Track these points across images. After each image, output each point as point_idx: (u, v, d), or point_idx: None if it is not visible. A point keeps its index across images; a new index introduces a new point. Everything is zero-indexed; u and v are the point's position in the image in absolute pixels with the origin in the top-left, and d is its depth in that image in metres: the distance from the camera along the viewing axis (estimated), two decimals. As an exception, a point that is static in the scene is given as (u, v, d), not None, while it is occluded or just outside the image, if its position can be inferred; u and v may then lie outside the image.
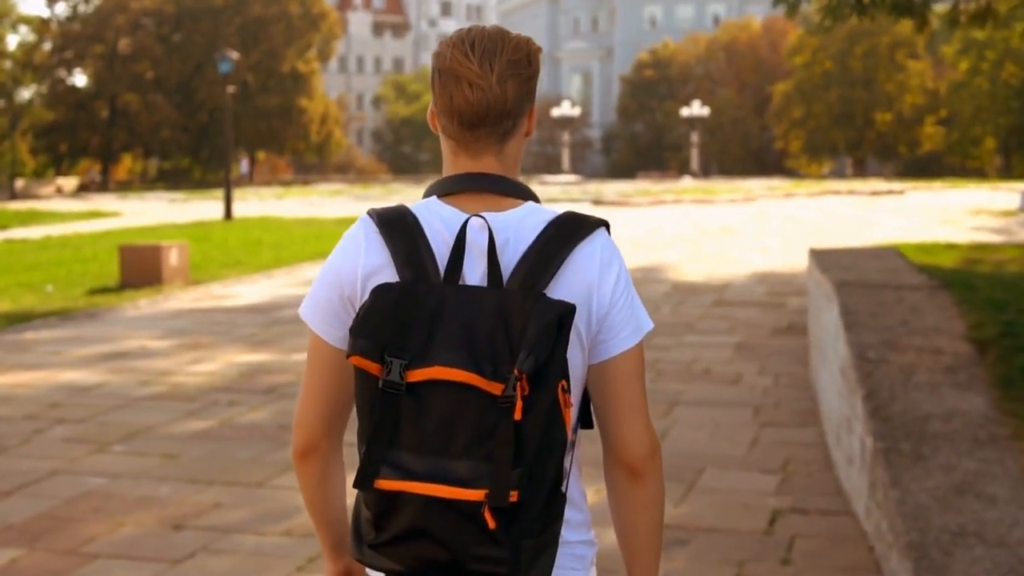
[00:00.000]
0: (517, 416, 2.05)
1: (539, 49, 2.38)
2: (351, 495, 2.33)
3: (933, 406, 6.72)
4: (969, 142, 74.09)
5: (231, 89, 40.17)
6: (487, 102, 2.28)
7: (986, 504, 5.44)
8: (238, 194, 51.48)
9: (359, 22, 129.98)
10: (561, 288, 2.24)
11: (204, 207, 46.02)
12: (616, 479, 2.40)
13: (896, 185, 54.02)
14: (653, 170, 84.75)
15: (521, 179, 2.43)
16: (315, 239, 28.15)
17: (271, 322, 15.36)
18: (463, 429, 2.08)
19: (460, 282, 2.23)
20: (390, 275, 2.25)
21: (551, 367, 2.10)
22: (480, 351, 2.10)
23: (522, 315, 2.12)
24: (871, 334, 8.09)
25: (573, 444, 2.33)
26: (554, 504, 2.15)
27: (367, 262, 2.30)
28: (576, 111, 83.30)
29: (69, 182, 74.31)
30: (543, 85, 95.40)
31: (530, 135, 2.44)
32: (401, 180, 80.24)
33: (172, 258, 19.26)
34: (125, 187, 76.27)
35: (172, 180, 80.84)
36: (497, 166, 2.36)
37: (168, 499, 7.48)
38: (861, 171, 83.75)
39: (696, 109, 75.16)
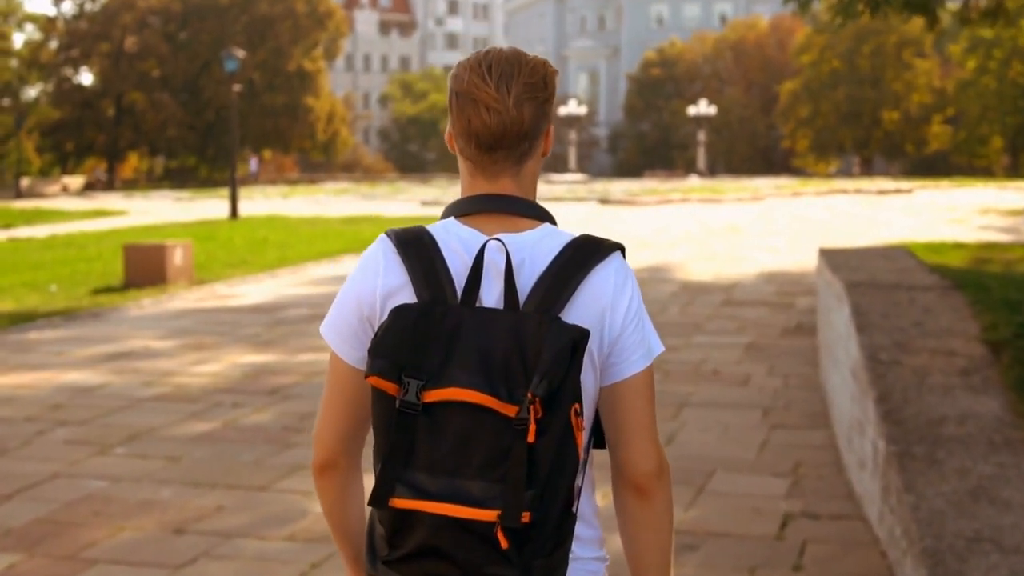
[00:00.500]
0: (530, 439, 2.08)
1: (555, 72, 2.40)
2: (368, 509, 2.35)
3: (947, 409, 6.60)
4: (976, 141, 73.92)
5: (237, 87, 40.10)
6: (504, 125, 2.31)
7: (1002, 509, 5.33)
8: (244, 193, 51.44)
9: (366, 20, 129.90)
10: (576, 311, 2.27)
11: (210, 206, 45.98)
12: (624, 498, 2.42)
13: (904, 184, 53.86)
14: (660, 169, 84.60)
15: None
16: (321, 238, 28.07)
17: (276, 322, 15.27)
18: (477, 450, 2.11)
19: (477, 303, 2.25)
20: (408, 296, 2.28)
21: (564, 391, 2.12)
22: (496, 373, 2.13)
23: (537, 338, 2.14)
24: (883, 335, 7.97)
25: (585, 463, 2.34)
26: (566, 524, 2.18)
27: (385, 283, 2.32)
28: (583, 110, 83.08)
29: (75, 181, 74.29)
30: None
31: (547, 154, 2.47)
32: (407, 179, 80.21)
33: (176, 257, 19.18)
34: (131, 186, 76.19)
35: (178, 179, 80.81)
36: (514, 187, 2.39)
37: (170, 503, 7.37)
38: (868, 170, 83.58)
39: (703, 108, 74.95)
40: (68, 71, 79.65)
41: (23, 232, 33.05)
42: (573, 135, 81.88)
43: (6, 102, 77.44)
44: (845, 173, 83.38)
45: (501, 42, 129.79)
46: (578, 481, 2.25)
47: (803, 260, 20.90)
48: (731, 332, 13.81)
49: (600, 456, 2.43)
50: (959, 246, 17.48)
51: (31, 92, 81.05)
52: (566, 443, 2.13)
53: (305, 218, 36.58)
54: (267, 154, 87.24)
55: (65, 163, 79.86)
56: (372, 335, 2.28)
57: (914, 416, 6.48)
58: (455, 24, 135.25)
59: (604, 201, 44.01)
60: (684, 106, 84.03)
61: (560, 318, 2.19)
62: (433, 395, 2.12)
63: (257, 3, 79.44)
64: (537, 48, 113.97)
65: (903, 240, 20.50)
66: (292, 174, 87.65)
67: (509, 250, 2.25)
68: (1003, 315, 8.53)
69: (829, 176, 76.94)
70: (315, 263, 22.78)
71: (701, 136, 76.94)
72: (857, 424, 7.44)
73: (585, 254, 2.31)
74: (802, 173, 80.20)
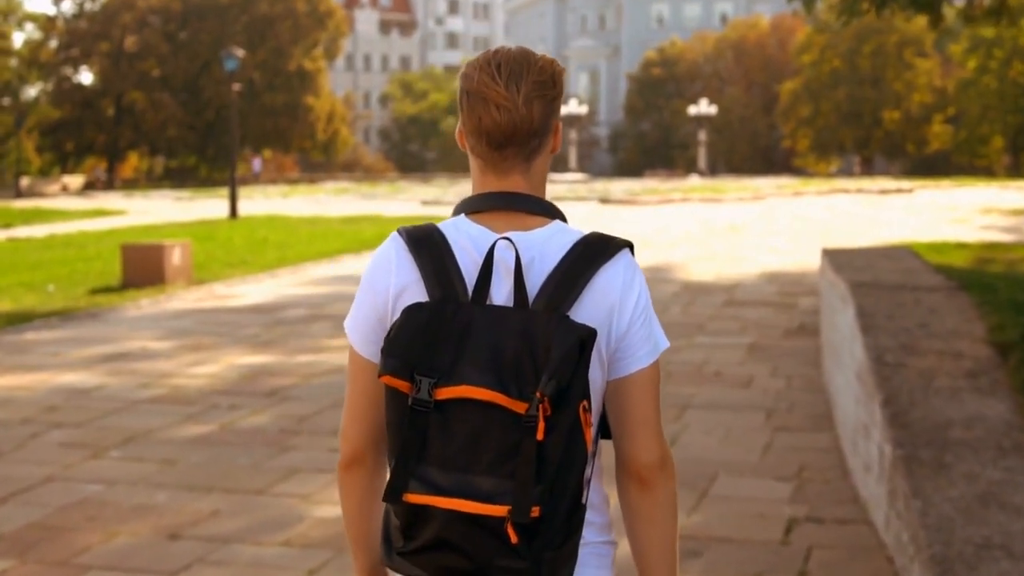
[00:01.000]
0: (540, 436, 2.13)
1: (563, 70, 2.44)
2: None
3: (954, 412, 6.50)
4: (977, 140, 73.82)
5: (237, 87, 40.02)
6: (514, 123, 2.36)
7: (1012, 515, 5.22)
8: (244, 192, 51.36)
9: (366, 20, 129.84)
10: (584, 309, 2.32)
11: (210, 205, 45.89)
12: (627, 491, 2.46)
13: (905, 184, 53.76)
14: (660, 168, 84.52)
15: None
16: (321, 238, 27.96)
17: (275, 322, 15.16)
18: (488, 446, 2.16)
19: (487, 302, 2.30)
20: (419, 293, 2.33)
21: (573, 389, 2.17)
22: (506, 371, 2.18)
23: (546, 336, 2.19)
24: (888, 337, 7.87)
25: (594, 455, 2.39)
26: (575, 517, 2.23)
27: (398, 281, 2.38)
28: (583, 109, 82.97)
29: (75, 180, 74.20)
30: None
31: (556, 151, 2.51)
32: (408, 178, 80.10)
33: (175, 257, 19.07)
34: (131, 185, 76.08)
35: (178, 178, 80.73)
36: (524, 184, 2.43)
37: (165, 507, 7.27)
38: (869, 170, 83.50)
39: (704, 107, 74.85)
40: (68, 70, 79.61)
41: (22, 232, 32.97)
42: (574, 135, 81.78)
43: (6, 101, 77.34)
44: (846, 173, 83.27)
45: (501, 42, 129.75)
46: (587, 472, 2.28)
47: (805, 260, 20.80)
48: (733, 333, 13.71)
49: (608, 445, 2.46)
50: (962, 246, 17.41)
51: (31, 91, 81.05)
52: (574, 439, 2.18)
53: (305, 218, 36.48)
54: (267, 154, 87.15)
55: (65, 163, 79.78)
56: (385, 332, 2.33)
57: (921, 419, 6.38)
58: (455, 24, 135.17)
59: (605, 201, 43.92)
60: (685, 106, 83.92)
61: (569, 316, 2.24)
62: (445, 392, 2.17)
63: (257, 3, 79.37)
64: (538, 48, 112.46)
65: (905, 240, 20.42)
66: (292, 174, 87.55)
67: (518, 248, 2.30)
68: (1010, 316, 8.42)
69: (830, 176, 76.80)
70: (315, 263, 22.68)
71: (702, 136, 76.84)
72: (862, 427, 7.34)
73: (594, 252, 2.35)
74: (803, 173, 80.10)
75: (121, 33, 77.13)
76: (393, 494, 2.18)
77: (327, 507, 7.19)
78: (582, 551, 2.33)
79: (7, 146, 75.64)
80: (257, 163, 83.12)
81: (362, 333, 2.44)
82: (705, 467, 7.95)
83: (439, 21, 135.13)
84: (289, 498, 7.42)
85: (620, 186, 58.35)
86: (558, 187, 55.82)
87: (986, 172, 73.13)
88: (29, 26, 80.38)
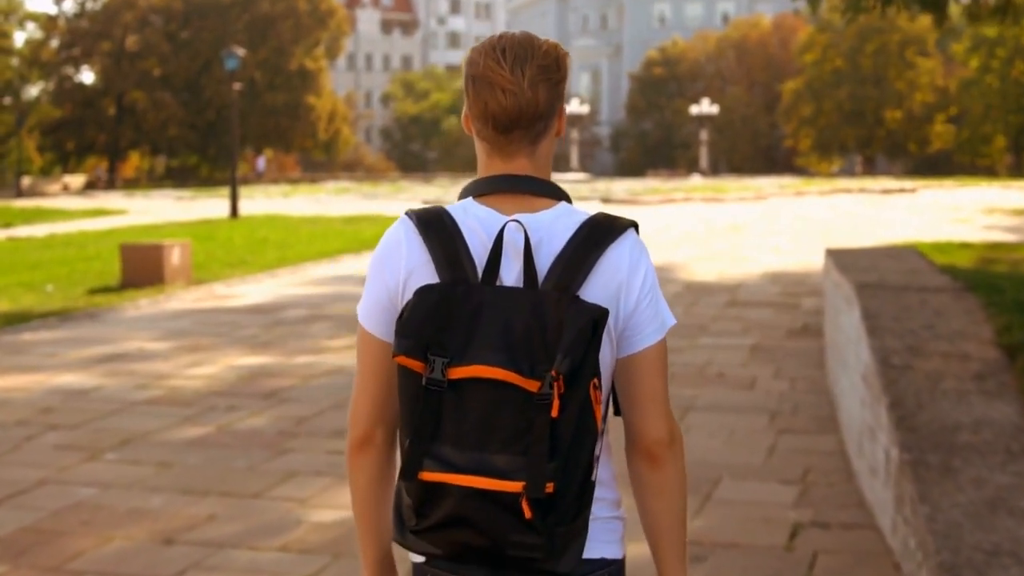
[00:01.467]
0: (554, 414, 2.18)
1: (566, 54, 2.48)
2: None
3: (962, 415, 6.39)
4: (979, 140, 73.71)
5: (237, 86, 39.93)
6: (520, 106, 2.40)
7: (1021, 521, 5.12)
8: (245, 192, 51.28)
9: (368, 19, 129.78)
10: (593, 288, 2.36)
11: (211, 205, 45.79)
12: (637, 467, 2.50)
13: (907, 183, 53.66)
14: (662, 168, 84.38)
15: None
16: (321, 238, 27.86)
17: (274, 323, 15.06)
18: (501, 424, 2.20)
19: (496, 283, 2.33)
20: (429, 275, 2.36)
21: (585, 368, 2.21)
22: (518, 350, 2.22)
23: (557, 316, 2.23)
24: (895, 339, 7.76)
25: (603, 432, 2.41)
26: (586, 492, 2.28)
27: (407, 262, 2.41)
28: (585, 109, 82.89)
29: (76, 180, 74.10)
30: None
31: (561, 135, 2.53)
32: (409, 178, 79.95)
33: (174, 257, 18.96)
34: (132, 185, 75.96)
35: (180, 178, 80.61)
36: (530, 167, 2.47)
37: (160, 511, 7.16)
38: (871, 169, 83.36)
39: (705, 107, 74.74)
40: (69, 70, 79.45)
41: (22, 231, 32.89)
42: (575, 134, 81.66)
43: (7, 101, 77.16)
44: (848, 172, 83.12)
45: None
46: (596, 449, 2.31)
47: (808, 260, 20.71)
48: (736, 333, 13.61)
49: (615, 422, 2.47)
50: (965, 246, 17.34)
51: (32, 91, 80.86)
52: (586, 416, 2.23)
53: (306, 217, 36.37)
54: (269, 153, 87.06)
55: (66, 162, 79.61)
56: (396, 313, 2.38)
57: (928, 423, 6.27)
58: (457, 23, 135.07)
59: (606, 200, 43.85)
60: (686, 105, 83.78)
61: (579, 296, 2.30)
62: (458, 372, 2.22)
63: (259, 2, 79.24)
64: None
65: (909, 240, 20.35)
66: (294, 173, 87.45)
67: (527, 230, 2.34)
68: (1017, 317, 8.31)
69: (832, 175, 76.67)
70: (315, 263, 22.57)
71: (703, 135, 76.71)
72: (868, 430, 7.23)
73: (601, 232, 2.40)
74: (805, 172, 79.92)
75: (122, 32, 77.02)
76: (409, 472, 2.23)
77: (325, 511, 7.09)
78: (592, 526, 2.37)
79: (8, 145, 75.49)
80: (261, 162, 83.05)
81: (374, 313, 2.46)
82: (709, 470, 7.84)
83: (441, 21, 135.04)
84: (286, 502, 7.32)
85: (622, 186, 58.29)
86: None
87: (988, 172, 72.99)
88: (30, 25, 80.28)
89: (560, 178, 67.71)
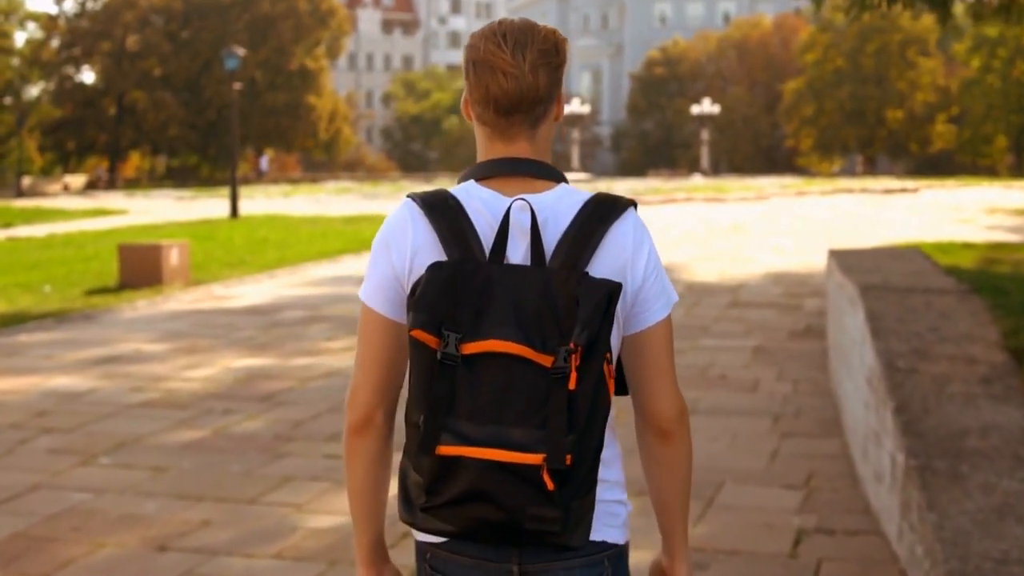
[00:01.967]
0: (572, 386, 2.22)
1: (565, 39, 2.55)
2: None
3: (969, 420, 6.28)
4: (980, 140, 73.63)
5: (238, 86, 39.82)
6: (521, 90, 2.43)
7: (1029, 529, 5.01)
8: (246, 192, 51.20)
9: (368, 19, 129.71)
10: (599, 265, 2.40)
11: (211, 205, 45.68)
12: (648, 441, 2.56)
13: (909, 183, 53.53)
14: (663, 168, 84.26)
15: None
16: (321, 238, 27.75)
17: (272, 324, 14.95)
18: (517, 398, 2.23)
19: (504, 261, 2.37)
20: (436, 253, 2.38)
21: (599, 341, 2.26)
22: (529, 326, 2.26)
23: (566, 292, 2.27)
24: (900, 342, 7.65)
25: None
26: (597, 468, 2.32)
27: (414, 241, 2.42)
28: (586, 108, 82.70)
29: (77, 180, 74.00)
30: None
31: (559, 119, 2.57)
32: (410, 178, 79.82)
33: (172, 258, 18.85)
34: (133, 185, 75.86)
35: (180, 178, 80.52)
36: (530, 150, 2.51)
37: (154, 517, 7.04)
38: (872, 169, 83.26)
39: (706, 107, 74.64)
40: (70, 70, 79.39)
41: (22, 231, 32.80)
42: (576, 134, 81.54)
43: (8, 101, 77.09)
44: (849, 172, 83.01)
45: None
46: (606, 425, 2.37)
47: (810, 260, 20.61)
48: (738, 335, 13.49)
49: (618, 402, 2.47)
50: (968, 246, 17.22)
51: (33, 91, 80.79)
52: (600, 390, 2.28)
53: (306, 217, 36.25)
54: (270, 153, 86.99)
55: (67, 162, 79.54)
56: (402, 292, 2.43)
57: (934, 428, 6.16)
58: (458, 23, 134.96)
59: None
60: (687, 105, 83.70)
61: (588, 272, 2.33)
62: (471, 347, 2.25)
63: (259, 2, 79.17)
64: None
65: (911, 240, 20.24)
66: (294, 173, 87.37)
67: (533, 209, 2.37)
68: (1024, 320, 8.21)
69: (832, 175, 76.54)
70: (314, 263, 22.45)
71: (704, 135, 76.64)
72: (873, 434, 7.12)
73: (605, 209, 2.44)
74: (806, 172, 79.81)
75: (123, 32, 76.96)
76: (427, 446, 2.23)
77: (321, 517, 6.98)
78: (596, 508, 2.39)
79: (9, 145, 75.42)
80: (264, 162, 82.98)
81: (380, 292, 2.46)
82: (711, 475, 7.72)
83: (442, 20, 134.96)
84: (282, 507, 7.20)
85: (623, 185, 58.18)
86: (560, 186, 55.51)
87: (989, 172, 72.88)
88: (31, 25, 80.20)
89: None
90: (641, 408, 2.54)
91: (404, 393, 2.43)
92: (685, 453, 2.56)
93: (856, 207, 37.97)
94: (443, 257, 2.36)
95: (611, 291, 2.28)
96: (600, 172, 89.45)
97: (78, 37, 77.26)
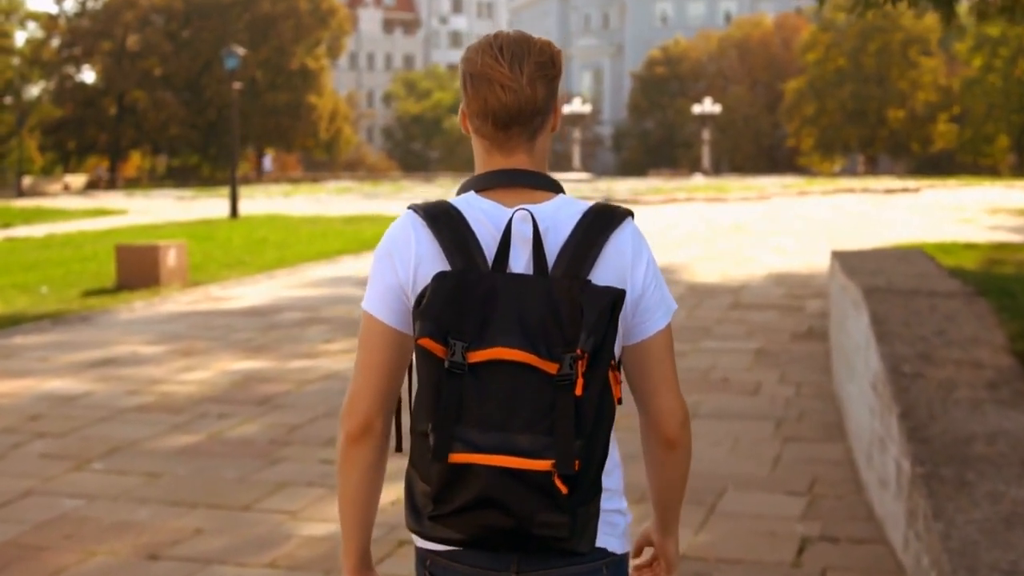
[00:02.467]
0: (578, 392, 2.24)
1: (560, 51, 2.54)
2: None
3: (976, 426, 6.16)
4: (982, 139, 73.53)
5: (238, 85, 39.71)
6: (519, 102, 2.46)
7: (1039, 539, 4.89)
8: (247, 192, 51.11)
9: (369, 19, 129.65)
10: (599, 274, 2.41)
11: (211, 205, 45.58)
12: (653, 448, 2.62)
13: (911, 183, 53.43)
14: (664, 167, 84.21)
15: None
16: (320, 238, 27.61)
17: (269, 326, 14.83)
18: (523, 405, 2.25)
19: (507, 271, 2.39)
20: (440, 264, 2.40)
21: (605, 348, 2.28)
22: (534, 334, 2.27)
23: (570, 300, 2.29)
24: (905, 346, 7.52)
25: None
26: (600, 475, 2.35)
27: (417, 251, 2.44)
28: (587, 108, 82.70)
29: (77, 179, 73.97)
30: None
31: (556, 130, 2.60)
32: (411, 177, 79.78)
33: (170, 258, 18.71)
34: (133, 184, 75.79)
35: (181, 177, 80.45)
36: (528, 162, 2.53)
37: (146, 524, 6.92)
38: (873, 169, 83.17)
39: (707, 106, 74.63)
40: (70, 69, 79.36)
41: (21, 231, 32.69)
42: (577, 133, 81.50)
43: (8, 100, 77.02)
44: (850, 172, 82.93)
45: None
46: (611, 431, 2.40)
47: (812, 261, 20.51)
48: (740, 337, 13.37)
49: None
50: (970, 246, 17.12)
51: (33, 90, 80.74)
52: (606, 396, 2.31)
53: (306, 217, 36.14)
54: (272, 152, 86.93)
55: (67, 162, 79.49)
56: (406, 301, 2.45)
57: (941, 434, 6.03)
58: (459, 22, 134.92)
59: (609, 200, 43.59)
60: (688, 104, 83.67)
61: (591, 281, 2.35)
62: (477, 356, 2.26)
63: (260, 1, 79.12)
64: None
65: (913, 240, 20.13)
66: (295, 172, 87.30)
67: (535, 219, 2.39)
68: (1030, 323, 8.08)
69: (834, 175, 76.45)
70: (313, 264, 22.28)
71: (705, 135, 76.62)
72: (878, 440, 6.99)
73: (604, 219, 2.46)
74: (807, 172, 79.75)
75: (123, 32, 76.91)
76: (439, 454, 2.24)
77: (316, 524, 6.86)
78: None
79: (9, 145, 75.31)
80: (267, 161, 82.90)
81: (384, 301, 2.47)
82: (713, 481, 7.60)
83: (443, 20, 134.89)
84: (276, 514, 7.08)
85: (624, 185, 58.02)
86: (561, 186, 55.34)
87: (991, 171, 72.80)
88: (31, 25, 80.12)
89: (562, 177, 67.27)
90: (647, 416, 2.59)
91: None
92: (687, 456, 2.64)
93: (858, 207, 37.87)
94: (446, 267, 2.38)
95: (615, 298, 2.31)
96: (601, 172, 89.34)
97: (78, 37, 77.22)
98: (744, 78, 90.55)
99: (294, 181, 76.53)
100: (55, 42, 78.07)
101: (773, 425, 9.20)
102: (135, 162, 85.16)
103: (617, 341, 2.44)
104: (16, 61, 77.27)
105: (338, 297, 17.42)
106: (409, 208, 2.50)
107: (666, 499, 2.71)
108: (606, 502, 2.48)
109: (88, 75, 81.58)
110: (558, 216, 2.46)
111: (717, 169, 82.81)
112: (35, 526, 6.93)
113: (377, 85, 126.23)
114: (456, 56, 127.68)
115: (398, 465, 2.55)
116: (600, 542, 2.48)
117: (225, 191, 51.08)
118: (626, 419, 2.53)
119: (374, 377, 2.49)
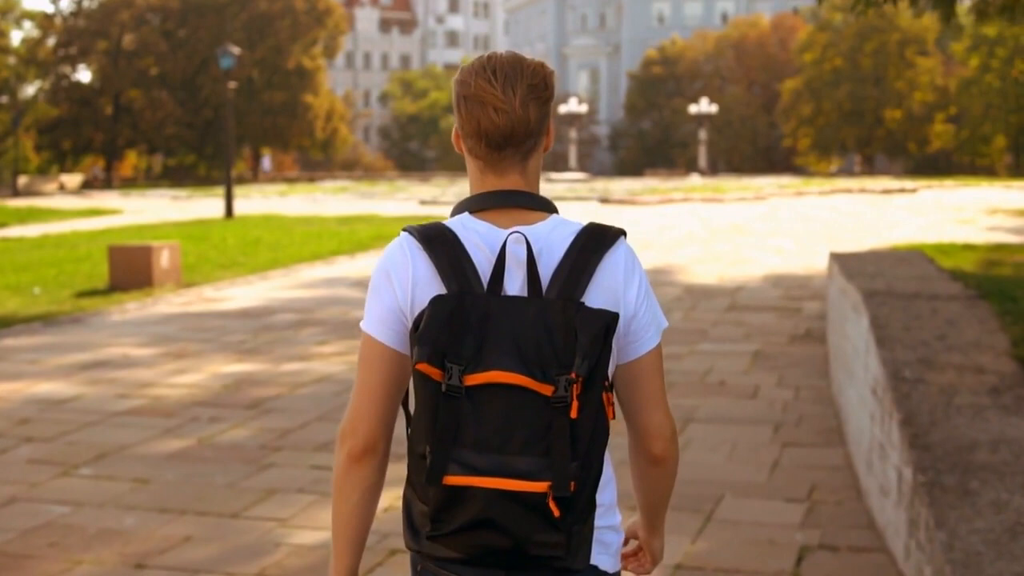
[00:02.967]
0: (574, 415, 2.27)
1: (553, 72, 2.55)
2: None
3: (978, 433, 6.04)
4: (979, 140, 73.46)
5: (233, 85, 39.59)
6: (512, 124, 2.47)
7: (1043, 549, 4.77)
8: (243, 191, 51.00)
9: (366, 18, 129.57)
10: (593, 296, 2.43)
11: (206, 205, 45.47)
12: (640, 463, 2.65)
13: (908, 183, 53.36)
14: (661, 167, 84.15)
15: None
16: (315, 238, 27.46)
17: (262, 328, 14.69)
18: (520, 428, 2.27)
19: (501, 293, 2.40)
20: (436, 287, 2.41)
21: (598, 370, 2.30)
22: (529, 356, 2.29)
23: (564, 323, 2.31)
24: (906, 350, 7.40)
25: None
26: (594, 494, 2.37)
27: (414, 274, 2.45)
28: (583, 108, 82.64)
29: (73, 179, 73.85)
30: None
31: (548, 150, 2.62)
32: (407, 177, 79.73)
33: (163, 259, 18.58)
34: (129, 184, 75.73)
35: (177, 177, 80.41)
36: (522, 182, 2.55)
37: (133, 532, 6.79)
38: (870, 169, 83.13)
39: (704, 106, 74.59)
40: (66, 69, 79.27)
41: (15, 231, 32.57)
42: (574, 133, 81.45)
43: (4, 100, 76.92)
44: (847, 172, 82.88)
45: (501, 40, 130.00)
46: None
47: (809, 262, 20.41)
48: (737, 339, 13.25)
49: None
50: (969, 248, 17.01)
51: (29, 90, 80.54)
52: (600, 417, 2.34)
53: (301, 217, 36.01)
54: (267, 152, 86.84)
55: (63, 161, 79.36)
56: (404, 322, 2.46)
57: (943, 441, 5.91)
58: (455, 22, 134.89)
59: (605, 200, 43.51)
60: (685, 104, 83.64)
61: (584, 303, 2.37)
62: (474, 379, 2.28)
63: (256, 0, 78.98)
64: (537, 46, 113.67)
65: (911, 241, 20.03)
66: (291, 172, 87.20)
67: (529, 241, 2.41)
68: (1033, 327, 7.96)
69: (830, 175, 76.39)
70: (308, 265, 22.13)
71: (702, 135, 76.56)
72: (878, 446, 6.87)
73: (596, 242, 2.47)
74: (803, 172, 79.75)
75: (119, 31, 76.83)
76: (434, 476, 2.26)
77: (306, 532, 6.73)
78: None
79: (5, 144, 75.19)
80: (266, 161, 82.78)
81: (385, 323, 2.48)
82: (710, 488, 7.48)
83: (439, 19, 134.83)
84: (266, 522, 6.95)
85: (620, 185, 57.92)
86: (557, 186, 55.40)
87: (988, 171, 72.76)
88: (27, 24, 79.99)
89: (559, 177, 67.52)
90: (635, 433, 2.61)
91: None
92: (674, 470, 2.67)
93: (855, 207, 37.78)
94: (442, 290, 2.39)
95: (608, 321, 2.33)
96: (598, 171, 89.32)
97: (74, 36, 77.15)
98: (741, 78, 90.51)
99: (290, 181, 76.49)
100: (51, 41, 77.99)
101: (771, 430, 9.07)
102: (131, 161, 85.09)
103: (611, 362, 2.46)
104: (12, 60, 77.13)
105: (332, 299, 17.30)
106: (404, 230, 2.51)
107: (653, 507, 2.75)
108: (599, 519, 2.49)
109: (84, 74, 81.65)
110: (551, 237, 2.47)
111: (714, 169, 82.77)
112: (20, 533, 6.80)
113: (373, 85, 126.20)
114: (453, 56, 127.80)
115: (392, 473, 2.55)
116: (593, 560, 2.49)
117: (221, 191, 50.98)
118: (618, 424, 2.46)
119: (376, 400, 2.50)
